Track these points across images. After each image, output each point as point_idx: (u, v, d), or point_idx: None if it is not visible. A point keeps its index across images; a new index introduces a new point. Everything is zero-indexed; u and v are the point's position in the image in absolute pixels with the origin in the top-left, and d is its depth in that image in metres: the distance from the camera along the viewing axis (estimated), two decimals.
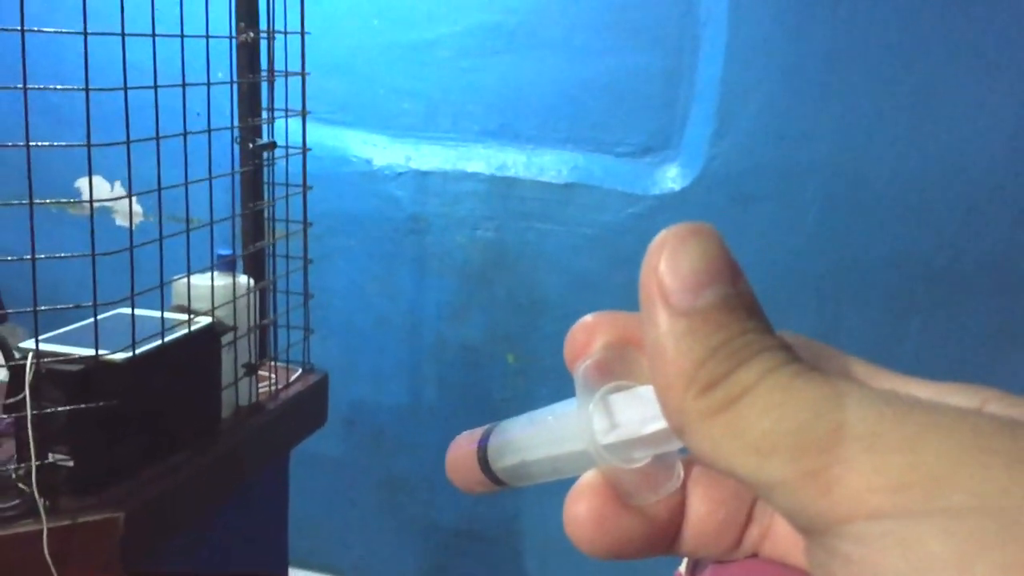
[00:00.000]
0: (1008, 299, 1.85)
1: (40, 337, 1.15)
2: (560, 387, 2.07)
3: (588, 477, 0.26)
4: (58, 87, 1.07)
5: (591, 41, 2.00)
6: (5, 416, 1.16)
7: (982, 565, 0.18)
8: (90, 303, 1.10)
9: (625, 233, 2.02)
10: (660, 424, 0.24)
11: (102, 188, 2.38)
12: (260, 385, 1.47)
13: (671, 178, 2.00)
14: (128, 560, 1.13)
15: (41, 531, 1.07)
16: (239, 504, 1.47)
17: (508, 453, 0.30)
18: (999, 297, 1.86)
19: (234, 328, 1.34)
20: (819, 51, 1.85)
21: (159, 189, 1.19)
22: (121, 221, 2.37)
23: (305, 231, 1.54)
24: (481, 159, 2.11)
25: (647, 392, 0.25)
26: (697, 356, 0.22)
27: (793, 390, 0.21)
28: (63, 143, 1.07)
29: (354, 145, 2.18)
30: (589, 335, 0.27)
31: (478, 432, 0.31)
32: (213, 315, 1.30)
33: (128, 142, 1.12)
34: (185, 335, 1.24)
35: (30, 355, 1.07)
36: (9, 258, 1.07)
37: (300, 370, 1.58)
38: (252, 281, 1.43)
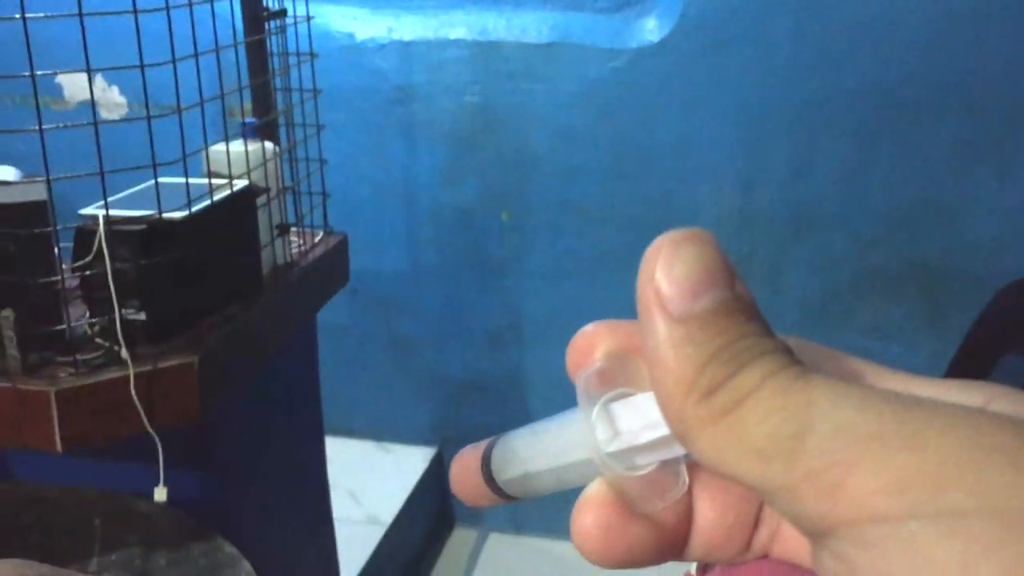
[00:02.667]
0: (969, 119, 1.99)
1: (94, 205, 1.23)
2: (552, 240, 2.19)
3: (593, 488, 0.26)
4: None
5: None
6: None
7: (986, 567, 0.18)
8: (148, 165, 1.17)
9: (608, 87, 2.11)
10: (663, 431, 0.24)
11: (84, 82, 2.39)
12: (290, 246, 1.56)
13: (649, 30, 2.08)
14: (204, 401, 1.24)
15: (127, 377, 1.17)
16: (279, 362, 1.58)
17: (511, 465, 0.30)
18: (960, 118, 1.99)
19: (267, 189, 1.43)
20: None
21: (174, 60, 1.23)
22: (106, 114, 2.40)
23: (316, 97, 1.61)
24: (462, 25, 2.17)
25: (649, 399, 0.25)
26: (697, 362, 0.22)
27: (793, 393, 0.21)
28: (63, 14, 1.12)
29: (335, 20, 2.22)
30: (590, 343, 0.27)
31: (482, 445, 0.31)
32: (249, 177, 1.38)
33: (136, 11, 1.14)
34: (228, 196, 1.32)
35: (100, 217, 1.15)
36: (74, 123, 1.13)
37: (321, 233, 1.67)
38: (276, 147, 1.51)
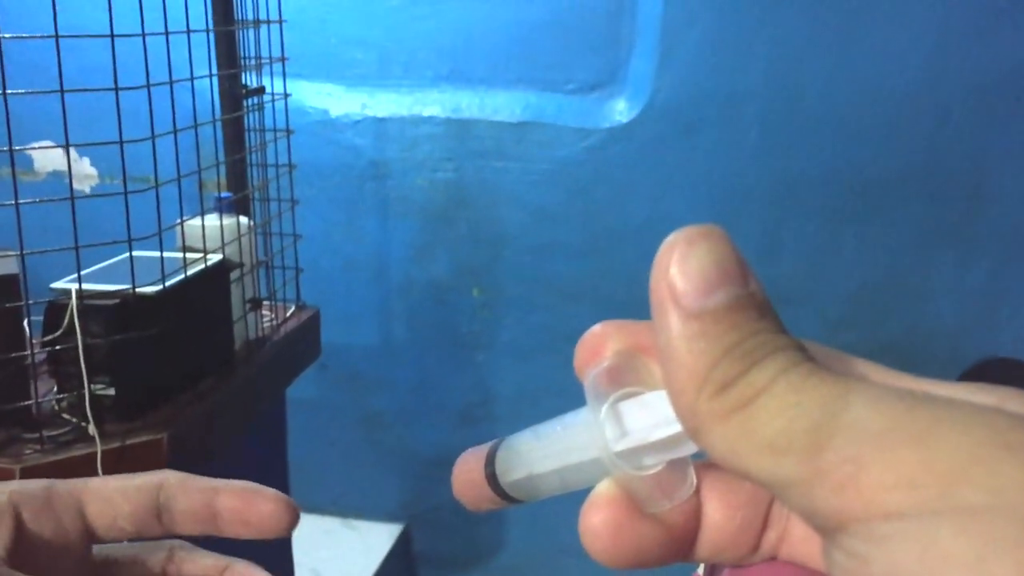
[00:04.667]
0: (931, 205, 2.04)
1: (66, 279, 1.22)
2: (523, 316, 2.19)
3: (602, 487, 0.26)
4: (31, 35, 1.08)
5: None
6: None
7: (999, 565, 0.17)
8: (124, 240, 1.17)
9: (579, 166, 2.14)
10: (671, 429, 0.24)
11: (55, 153, 2.39)
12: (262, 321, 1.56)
13: (619, 111, 2.12)
14: None
15: (94, 454, 1.15)
16: (248, 438, 1.56)
17: (516, 467, 0.29)
18: (923, 203, 2.04)
19: (241, 264, 1.42)
20: None
21: (152, 136, 1.23)
22: (77, 185, 2.39)
23: (291, 173, 1.62)
24: (436, 103, 2.20)
25: (657, 398, 0.25)
26: (710, 358, 0.22)
27: (807, 389, 0.21)
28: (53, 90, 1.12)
29: (309, 96, 2.24)
30: (598, 343, 0.27)
31: (484, 448, 0.31)
32: (224, 252, 1.38)
33: (116, 88, 1.15)
34: (202, 270, 1.32)
35: (73, 291, 1.14)
36: (50, 198, 1.13)
37: (294, 307, 1.67)
38: (251, 222, 1.51)
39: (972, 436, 0.19)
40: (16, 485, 0.38)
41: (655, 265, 0.23)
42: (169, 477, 0.40)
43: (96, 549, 0.40)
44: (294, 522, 0.40)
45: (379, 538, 2.40)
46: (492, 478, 0.30)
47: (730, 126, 2.06)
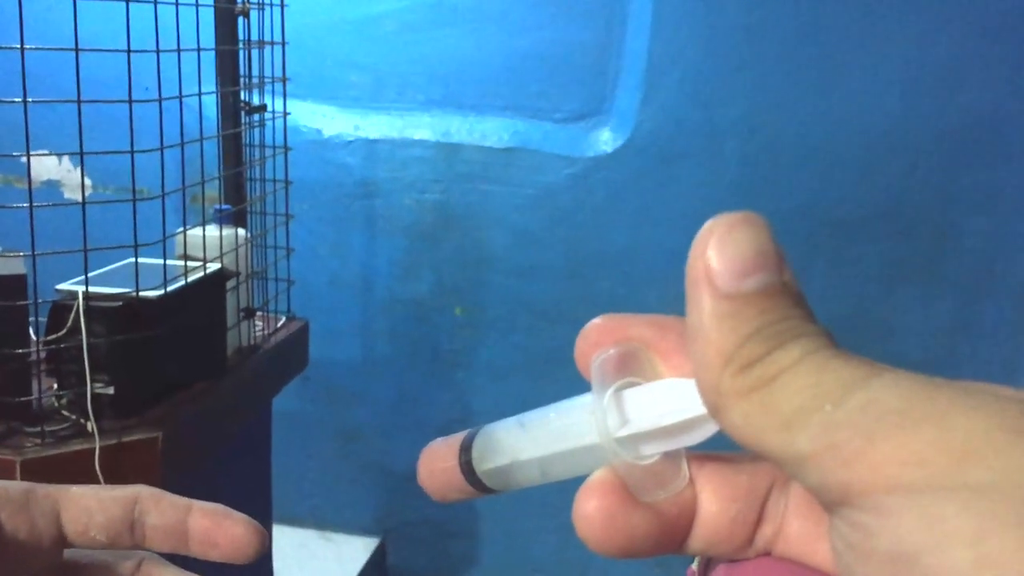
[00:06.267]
0: (899, 242, 2.12)
1: (70, 281, 1.27)
2: (503, 337, 2.25)
3: (598, 475, 0.26)
4: (51, 47, 1.12)
5: (528, 16, 2.18)
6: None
7: (998, 541, 0.18)
8: (130, 245, 1.22)
9: (563, 192, 2.21)
10: (672, 419, 0.25)
11: (50, 163, 2.44)
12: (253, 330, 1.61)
13: (604, 141, 2.20)
14: (166, 477, 1.26)
15: (92, 449, 1.20)
16: (236, 442, 1.61)
17: (497, 454, 0.29)
18: (891, 240, 2.13)
19: (237, 273, 1.48)
20: (735, 24, 2.08)
21: (162, 147, 1.29)
22: (69, 194, 2.43)
23: (287, 189, 1.68)
24: (426, 127, 2.27)
25: (659, 388, 0.26)
26: (738, 336, 0.22)
27: (828, 371, 0.22)
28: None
29: (303, 116, 2.30)
30: (600, 334, 0.27)
31: (457, 437, 0.31)
32: (222, 261, 1.43)
33: (130, 101, 1.21)
34: (200, 278, 1.37)
35: (80, 292, 1.19)
36: (60, 203, 1.18)
37: (284, 318, 1.72)
38: (248, 233, 1.57)
39: (984, 421, 0.19)
40: None
41: (693, 246, 0.23)
42: (144, 492, 0.41)
43: (68, 553, 0.41)
44: (262, 548, 0.41)
45: (355, 551, 2.43)
46: (467, 465, 0.30)
47: (710, 159, 2.14)
